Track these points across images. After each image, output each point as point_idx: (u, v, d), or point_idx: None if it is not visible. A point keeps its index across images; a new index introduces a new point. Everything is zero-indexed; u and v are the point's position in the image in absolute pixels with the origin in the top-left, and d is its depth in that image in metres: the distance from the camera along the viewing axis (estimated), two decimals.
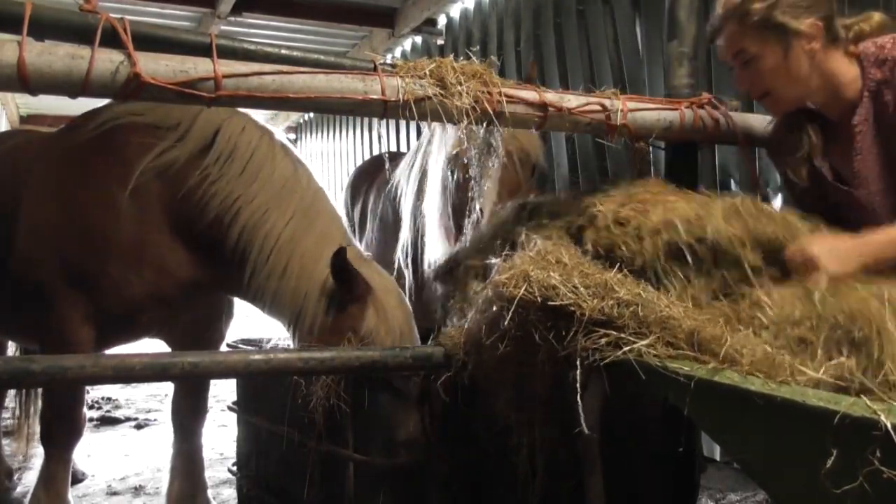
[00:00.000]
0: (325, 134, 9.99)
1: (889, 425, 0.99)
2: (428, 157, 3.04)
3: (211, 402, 3.32)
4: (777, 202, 3.38)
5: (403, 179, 3.49)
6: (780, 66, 1.90)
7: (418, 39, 7.05)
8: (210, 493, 3.20)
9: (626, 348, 1.44)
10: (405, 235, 3.29)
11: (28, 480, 3.84)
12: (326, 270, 2.41)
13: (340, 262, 2.33)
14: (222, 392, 5.58)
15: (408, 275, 3.25)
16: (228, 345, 2.96)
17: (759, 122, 2.41)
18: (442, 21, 6.53)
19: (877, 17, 1.96)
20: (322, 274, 2.44)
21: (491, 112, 1.95)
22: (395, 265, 3.24)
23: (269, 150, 2.61)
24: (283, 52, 2.02)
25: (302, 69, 1.81)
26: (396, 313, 2.45)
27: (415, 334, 2.53)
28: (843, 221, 1.84)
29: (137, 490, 3.93)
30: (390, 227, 3.56)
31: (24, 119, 11.50)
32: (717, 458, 4.00)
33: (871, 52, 1.89)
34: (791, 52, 1.88)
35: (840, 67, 1.91)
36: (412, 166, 3.42)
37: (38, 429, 2.86)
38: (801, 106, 2.03)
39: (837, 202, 1.99)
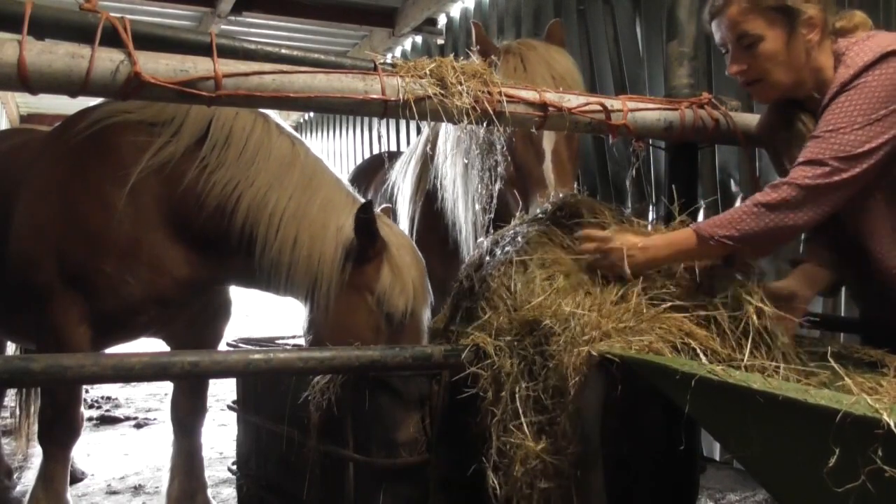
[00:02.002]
0: (325, 133, 10.00)
1: (891, 423, 1.00)
2: (432, 150, 3.02)
3: (211, 401, 3.32)
4: None
5: (400, 177, 3.48)
6: (781, 51, 1.91)
7: (418, 39, 7.06)
8: (210, 492, 3.20)
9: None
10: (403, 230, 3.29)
11: (28, 479, 3.84)
12: (337, 233, 2.43)
13: (368, 218, 2.37)
14: (222, 391, 5.59)
15: None
16: (229, 344, 2.95)
17: None
18: (442, 21, 6.54)
19: (858, 16, 1.99)
20: (332, 238, 2.46)
21: (491, 112, 1.95)
22: None
23: (265, 131, 2.60)
24: (284, 51, 2.01)
25: (302, 69, 1.81)
26: (411, 270, 2.48)
27: (428, 290, 2.56)
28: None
29: (137, 489, 3.93)
30: None
31: (24, 118, 11.52)
32: (717, 458, 4.00)
33: (840, 51, 1.92)
34: (794, 38, 1.90)
35: (827, 62, 1.94)
36: (408, 164, 3.42)
37: (37, 428, 2.86)
38: (788, 96, 2.04)
39: None
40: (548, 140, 2.55)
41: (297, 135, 2.73)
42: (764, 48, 1.92)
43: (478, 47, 2.45)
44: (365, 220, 2.39)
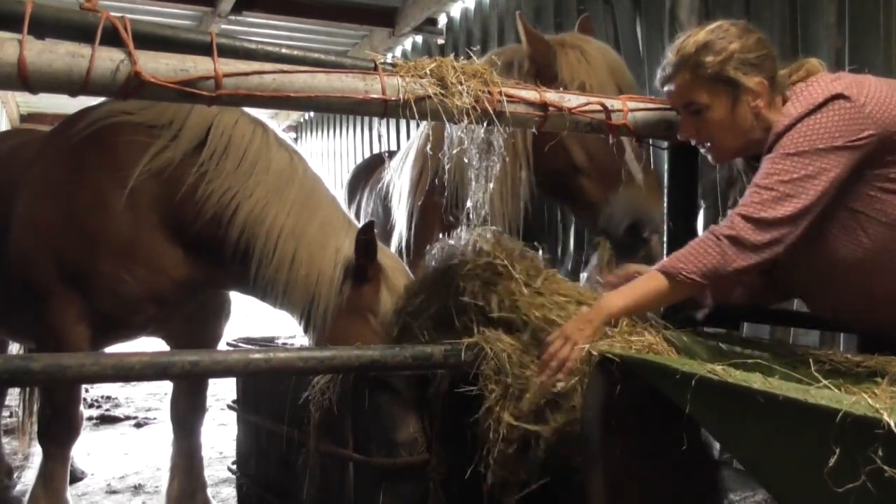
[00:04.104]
0: (325, 133, 10.00)
1: (892, 423, 1.00)
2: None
3: (210, 400, 3.32)
4: None
5: (396, 175, 3.48)
6: (727, 118, 1.93)
7: (419, 39, 7.05)
8: (209, 491, 3.20)
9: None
10: (400, 230, 3.29)
11: (28, 479, 3.83)
12: (335, 255, 2.44)
13: (369, 239, 2.37)
14: (222, 391, 5.58)
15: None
16: (229, 343, 2.95)
17: None
18: (442, 20, 6.54)
19: (809, 64, 1.98)
20: (331, 259, 2.47)
21: (491, 111, 1.95)
22: None
23: (264, 142, 2.60)
24: (284, 51, 2.02)
25: (302, 68, 1.81)
26: None
27: None
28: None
29: (137, 489, 3.93)
30: (381, 227, 3.56)
31: (25, 117, 11.51)
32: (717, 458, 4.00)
33: (787, 100, 1.93)
34: (738, 106, 1.91)
35: (778, 119, 1.92)
36: (405, 161, 3.41)
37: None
38: (742, 155, 2.07)
39: None
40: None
41: (296, 148, 2.73)
42: (710, 116, 1.94)
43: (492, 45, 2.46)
44: (366, 241, 2.39)
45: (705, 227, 3.88)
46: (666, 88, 2.03)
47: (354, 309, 2.44)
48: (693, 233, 2.68)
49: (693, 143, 2.06)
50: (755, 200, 1.78)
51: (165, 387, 5.31)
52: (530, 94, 2.06)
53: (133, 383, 6.21)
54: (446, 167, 2.87)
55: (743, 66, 1.89)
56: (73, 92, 1.60)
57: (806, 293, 2.13)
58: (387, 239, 3.36)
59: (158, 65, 1.64)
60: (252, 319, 5.55)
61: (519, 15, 2.73)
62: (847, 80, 1.83)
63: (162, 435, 4.52)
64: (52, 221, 2.59)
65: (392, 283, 2.44)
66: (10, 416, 4.64)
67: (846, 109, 1.77)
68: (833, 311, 2.07)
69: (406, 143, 3.83)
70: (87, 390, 5.85)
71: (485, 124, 1.99)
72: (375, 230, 2.45)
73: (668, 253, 2.52)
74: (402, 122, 6.97)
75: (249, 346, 2.83)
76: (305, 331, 2.57)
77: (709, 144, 2.02)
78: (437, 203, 2.99)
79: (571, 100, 2.12)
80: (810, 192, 1.76)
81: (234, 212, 2.50)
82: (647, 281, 1.84)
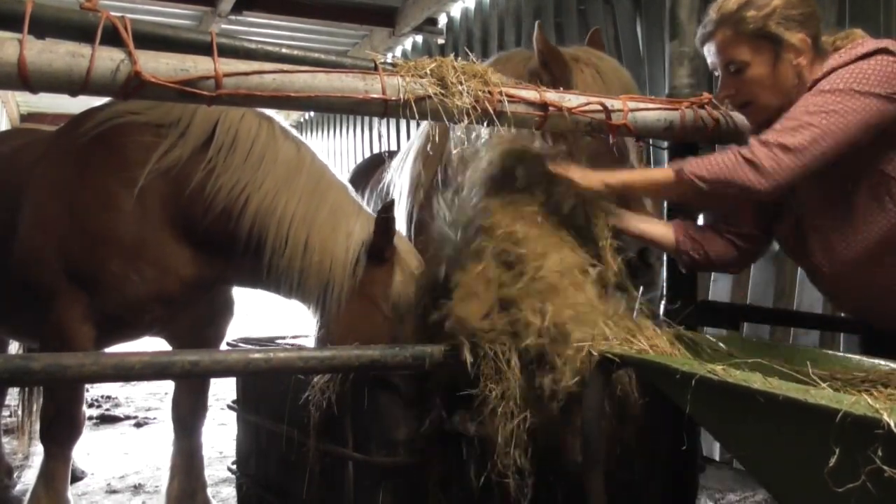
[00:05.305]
0: (325, 133, 10.01)
1: (891, 423, 1.00)
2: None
3: (211, 400, 3.32)
4: None
5: (396, 174, 3.49)
6: (768, 76, 1.91)
7: (419, 39, 7.06)
8: (209, 491, 3.20)
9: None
10: (400, 229, 3.29)
11: (28, 478, 3.84)
12: (346, 239, 2.45)
13: (389, 217, 2.39)
14: (222, 390, 5.59)
15: None
16: (229, 344, 2.95)
17: None
18: (443, 20, 6.55)
19: (853, 34, 1.96)
20: (342, 243, 2.48)
21: (491, 111, 1.95)
22: None
23: (270, 134, 2.61)
24: (284, 50, 2.02)
25: (303, 68, 1.81)
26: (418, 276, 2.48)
27: None
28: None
29: (137, 488, 3.93)
30: None
31: (25, 117, 11.52)
32: (717, 458, 4.00)
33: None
34: (780, 63, 1.90)
35: None
36: (405, 160, 3.41)
37: (38, 427, 2.86)
38: (780, 115, 2.02)
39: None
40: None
41: (302, 139, 2.74)
42: (750, 74, 1.92)
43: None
44: (386, 220, 2.40)
45: None
46: (706, 47, 2.01)
47: (367, 292, 2.44)
48: None
49: (730, 104, 2.06)
50: (776, 128, 1.80)
51: (165, 386, 5.31)
52: (530, 93, 2.06)
53: (133, 383, 6.21)
54: (447, 167, 2.88)
55: (786, 21, 1.86)
56: (74, 92, 1.60)
57: (826, 270, 2.03)
58: None
59: (158, 64, 1.64)
60: (252, 319, 5.56)
61: (538, 24, 2.72)
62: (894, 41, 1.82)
63: (162, 435, 4.52)
64: (59, 221, 2.59)
65: (405, 266, 2.45)
66: (10, 415, 4.64)
67: (891, 63, 1.76)
68: (848, 292, 2.02)
69: (406, 143, 3.83)
70: (87, 390, 5.86)
71: (485, 124, 1.99)
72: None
73: (668, 267, 2.51)
74: (403, 122, 6.98)
75: (249, 346, 2.83)
76: (320, 317, 2.57)
77: (748, 105, 1.99)
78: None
79: (571, 100, 2.12)
80: (831, 125, 1.74)
81: (245, 204, 2.51)
82: (653, 170, 1.99)
